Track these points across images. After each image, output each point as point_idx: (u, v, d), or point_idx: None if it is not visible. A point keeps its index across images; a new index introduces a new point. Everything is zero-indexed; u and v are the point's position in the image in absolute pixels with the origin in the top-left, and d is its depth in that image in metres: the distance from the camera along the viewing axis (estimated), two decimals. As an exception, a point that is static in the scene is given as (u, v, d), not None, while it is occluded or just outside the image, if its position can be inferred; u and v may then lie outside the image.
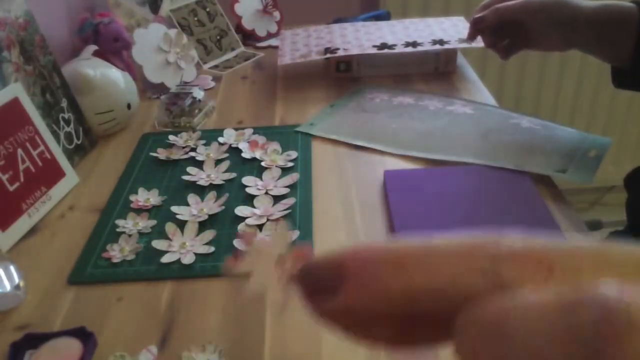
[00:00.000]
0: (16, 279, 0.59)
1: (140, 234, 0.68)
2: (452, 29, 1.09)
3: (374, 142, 0.83)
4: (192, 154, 0.83)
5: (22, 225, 0.69)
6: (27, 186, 0.71)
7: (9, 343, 0.52)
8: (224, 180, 0.77)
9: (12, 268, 0.60)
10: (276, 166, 0.79)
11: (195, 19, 1.17)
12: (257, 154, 0.82)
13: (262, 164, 0.80)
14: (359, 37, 1.08)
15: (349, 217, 0.69)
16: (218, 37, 1.19)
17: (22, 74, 0.77)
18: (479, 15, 0.87)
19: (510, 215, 0.65)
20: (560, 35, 0.79)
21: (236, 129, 0.88)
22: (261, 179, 0.76)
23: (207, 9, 1.20)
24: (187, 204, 0.72)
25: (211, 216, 0.70)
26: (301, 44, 1.09)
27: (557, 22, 0.79)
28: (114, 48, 1.02)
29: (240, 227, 0.67)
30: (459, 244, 0.21)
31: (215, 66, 1.14)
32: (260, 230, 0.67)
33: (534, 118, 0.87)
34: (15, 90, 0.74)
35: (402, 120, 0.88)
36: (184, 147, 0.85)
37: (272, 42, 1.24)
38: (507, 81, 1.84)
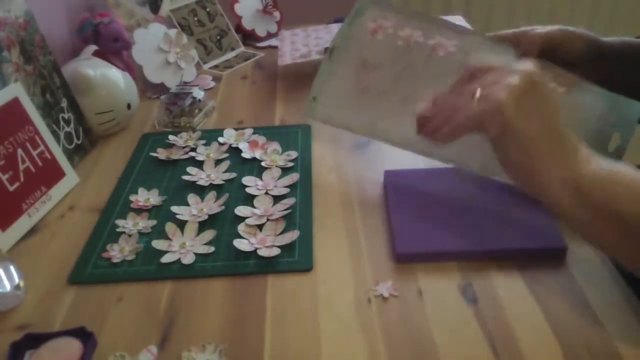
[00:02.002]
0: (16, 279, 0.59)
1: (140, 234, 0.68)
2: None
3: (376, 133, 0.76)
4: (192, 154, 0.83)
5: (22, 225, 0.69)
6: (27, 186, 0.71)
7: (9, 343, 0.52)
8: (224, 180, 0.77)
9: (12, 268, 0.60)
10: (276, 166, 0.79)
11: (195, 19, 1.17)
12: (257, 154, 0.82)
13: (262, 164, 0.80)
14: (358, 37, 1.07)
15: (349, 217, 0.69)
16: (218, 37, 1.19)
17: (22, 74, 0.77)
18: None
19: (510, 215, 0.65)
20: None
21: (236, 129, 0.88)
22: (261, 179, 0.76)
23: (207, 9, 1.20)
24: (187, 204, 0.72)
25: (211, 216, 0.70)
26: (301, 44, 1.09)
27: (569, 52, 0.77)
28: (114, 48, 1.02)
29: (240, 227, 0.67)
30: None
31: (215, 66, 1.14)
32: (261, 230, 0.67)
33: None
34: (15, 90, 0.74)
35: (408, 81, 0.75)
36: (184, 147, 0.85)
37: (272, 42, 1.24)
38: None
